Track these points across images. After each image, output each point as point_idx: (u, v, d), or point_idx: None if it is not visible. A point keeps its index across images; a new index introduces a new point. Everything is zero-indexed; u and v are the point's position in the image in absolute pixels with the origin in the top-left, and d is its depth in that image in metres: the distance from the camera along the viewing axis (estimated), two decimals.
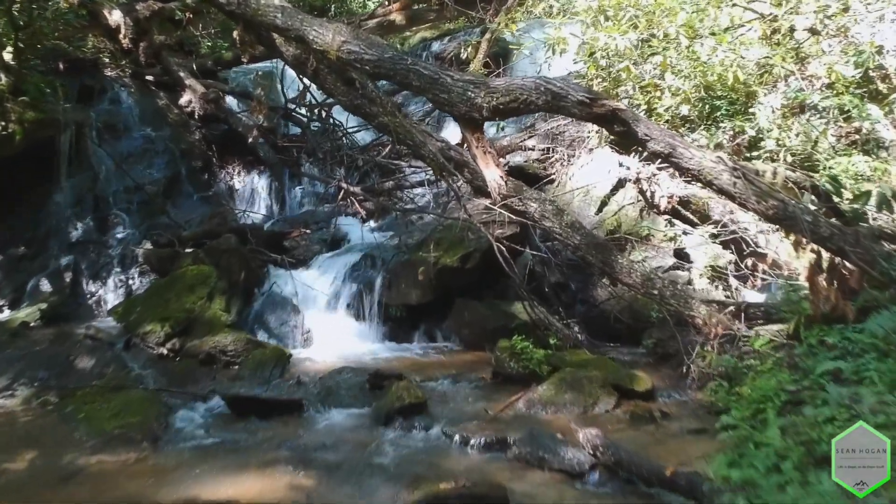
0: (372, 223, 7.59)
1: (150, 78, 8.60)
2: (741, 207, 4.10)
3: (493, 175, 4.24)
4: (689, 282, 5.49)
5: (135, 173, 7.50)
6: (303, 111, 8.80)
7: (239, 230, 6.53)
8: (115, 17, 8.10)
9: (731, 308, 4.55)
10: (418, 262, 5.87)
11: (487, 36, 8.32)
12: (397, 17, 8.66)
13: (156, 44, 8.42)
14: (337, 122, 8.43)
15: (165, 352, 5.11)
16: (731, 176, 3.92)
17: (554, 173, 6.67)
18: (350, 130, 8.42)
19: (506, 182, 4.27)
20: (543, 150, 7.08)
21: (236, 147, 8.42)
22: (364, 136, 8.95)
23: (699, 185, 5.16)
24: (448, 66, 9.37)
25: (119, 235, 7.04)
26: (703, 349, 4.44)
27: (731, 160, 3.97)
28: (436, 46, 12.32)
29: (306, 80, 6.75)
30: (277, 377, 4.68)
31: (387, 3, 14.37)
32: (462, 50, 7.40)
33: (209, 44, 9.76)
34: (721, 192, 3.98)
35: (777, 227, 4.58)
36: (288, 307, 5.90)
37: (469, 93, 4.15)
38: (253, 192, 8.33)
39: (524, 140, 7.24)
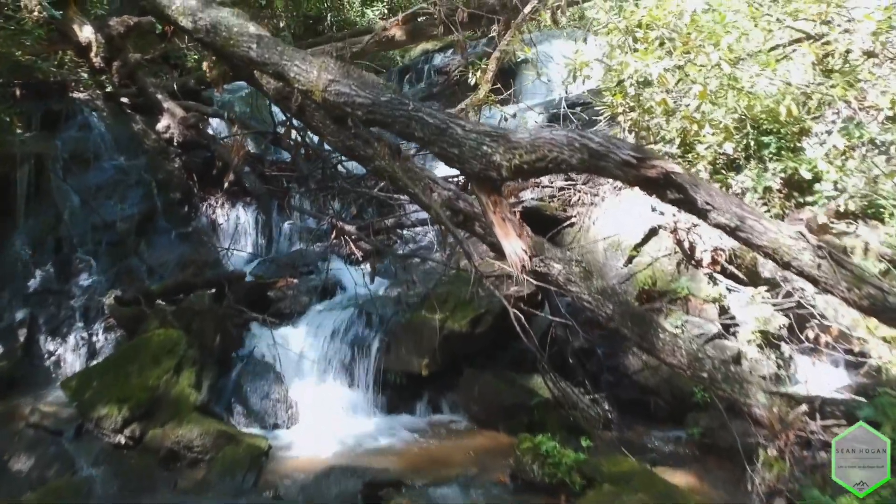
0: (367, 266, 6.80)
1: (125, 100, 7.81)
2: (826, 293, 3.31)
3: (514, 248, 3.44)
4: (739, 357, 4.68)
5: (104, 209, 6.70)
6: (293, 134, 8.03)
7: (216, 281, 5.73)
8: (86, 33, 7.30)
9: (803, 405, 3.75)
10: (421, 324, 5.08)
11: (496, 54, 7.51)
12: (397, 33, 7.85)
13: (130, 63, 7.63)
14: (330, 149, 7.64)
15: (123, 440, 4.32)
16: (814, 256, 3.13)
17: (575, 216, 5.87)
18: (345, 158, 7.62)
19: (530, 256, 3.48)
20: (561, 186, 6.27)
21: (220, 176, 7.62)
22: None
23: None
24: (453, 83, 8.55)
25: (84, 282, 6.25)
26: (768, 453, 3.65)
27: (813, 237, 3.17)
28: (438, 59, 11.56)
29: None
30: (251, 484, 3.87)
31: (385, 16, 13.60)
32: (470, 73, 6.58)
33: (196, 56, 8.95)
34: (802, 274, 3.18)
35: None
36: (270, 376, 5.11)
37: (485, 147, 3.35)
38: (238, 227, 7.53)
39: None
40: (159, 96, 7.50)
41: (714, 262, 5.01)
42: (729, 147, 5.14)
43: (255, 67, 4.02)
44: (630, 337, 4.23)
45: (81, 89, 7.62)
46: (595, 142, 3.21)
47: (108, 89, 7.67)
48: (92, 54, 7.36)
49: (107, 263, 6.45)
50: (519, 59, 8.22)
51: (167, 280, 5.78)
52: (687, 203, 3.19)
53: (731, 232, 3.22)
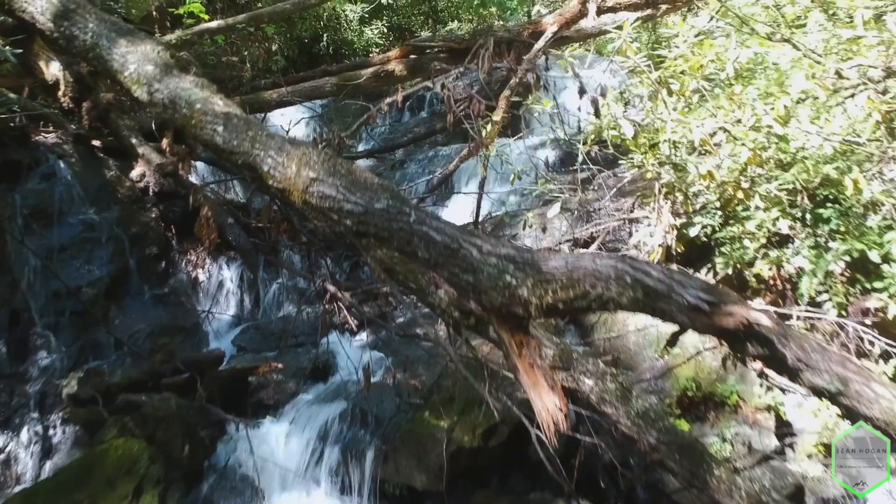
0: (364, 335, 6.07)
1: (97, 143, 7.08)
2: None
3: (546, 403, 2.70)
4: (801, 493, 3.94)
5: (69, 273, 5.97)
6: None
7: (188, 368, 4.99)
8: (53, 69, 6.56)
9: None
10: (424, 435, 4.34)
11: (506, 93, 6.78)
12: (396, 67, 7.13)
13: (102, 103, 6.91)
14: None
15: None
16: None
17: None
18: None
19: (565, 414, 2.74)
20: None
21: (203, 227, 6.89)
22: None
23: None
24: (458, 117, 7.75)
25: (42, 362, 5.51)
26: None
27: None
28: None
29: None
30: None
31: (384, 34, 12.87)
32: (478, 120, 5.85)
33: None
34: None
35: None
36: (248, 490, 4.38)
37: (508, 277, 2.61)
38: (220, 286, 6.81)
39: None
40: (134, 140, 6.76)
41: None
42: (785, 224, 4.39)
43: (222, 156, 3.28)
44: (678, 473, 3.52)
45: (47, 133, 6.88)
46: (653, 277, 2.47)
47: (77, 130, 6.96)
48: (60, 93, 6.63)
49: (69, 337, 5.71)
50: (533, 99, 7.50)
51: (131, 371, 5.03)
52: (774, 360, 2.46)
53: (832, 397, 2.48)
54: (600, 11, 6.84)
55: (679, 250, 4.83)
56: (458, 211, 7.84)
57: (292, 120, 8.93)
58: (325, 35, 11.81)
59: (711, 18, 5.17)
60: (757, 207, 4.50)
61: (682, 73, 4.90)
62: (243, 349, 6.07)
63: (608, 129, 4.83)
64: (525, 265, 2.62)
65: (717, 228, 4.78)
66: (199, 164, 7.55)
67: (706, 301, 2.39)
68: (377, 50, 12.86)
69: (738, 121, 4.57)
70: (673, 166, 4.85)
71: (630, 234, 5.48)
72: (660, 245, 4.80)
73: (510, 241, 3.36)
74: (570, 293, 2.52)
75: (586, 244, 5.80)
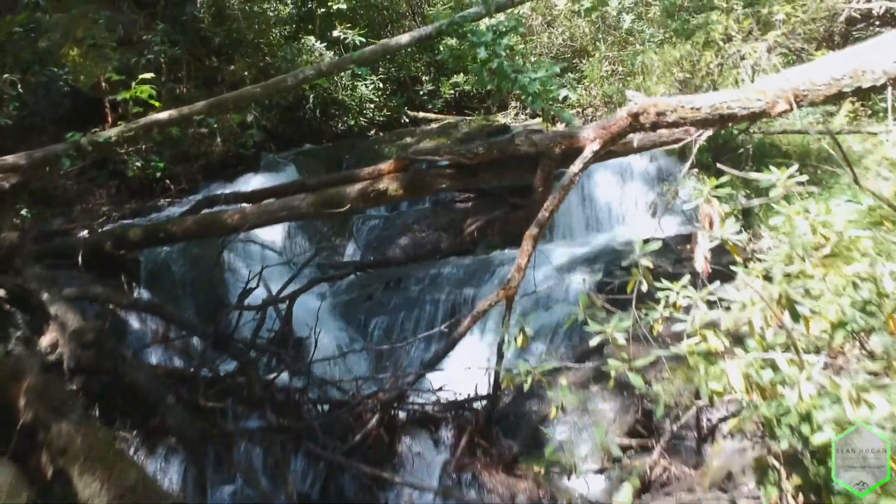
0: None
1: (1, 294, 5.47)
2: None
3: None
4: None
5: None
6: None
7: None
8: None
9: None
10: None
11: (533, 231, 5.19)
12: (390, 185, 5.59)
13: (6, 244, 5.33)
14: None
15: None
16: None
17: None
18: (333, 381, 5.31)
19: None
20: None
21: (134, 406, 5.28)
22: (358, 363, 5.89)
23: None
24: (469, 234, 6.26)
25: None
26: None
27: None
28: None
29: None
30: None
31: (380, 91, 11.25)
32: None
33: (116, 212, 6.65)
34: None
35: None
36: None
37: None
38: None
39: None
40: (45, 296, 5.16)
41: None
42: None
43: None
44: None
45: None
46: None
47: None
48: None
49: None
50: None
51: None
52: None
53: None
54: (657, 126, 5.25)
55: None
56: (467, 354, 6.11)
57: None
58: (310, 96, 10.21)
59: None
60: None
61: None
62: None
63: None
64: None
65: None
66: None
67: None
68: (372, 106, 11.29)
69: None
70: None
71: None
72: None
73: None
74: None
75: None
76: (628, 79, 10.37)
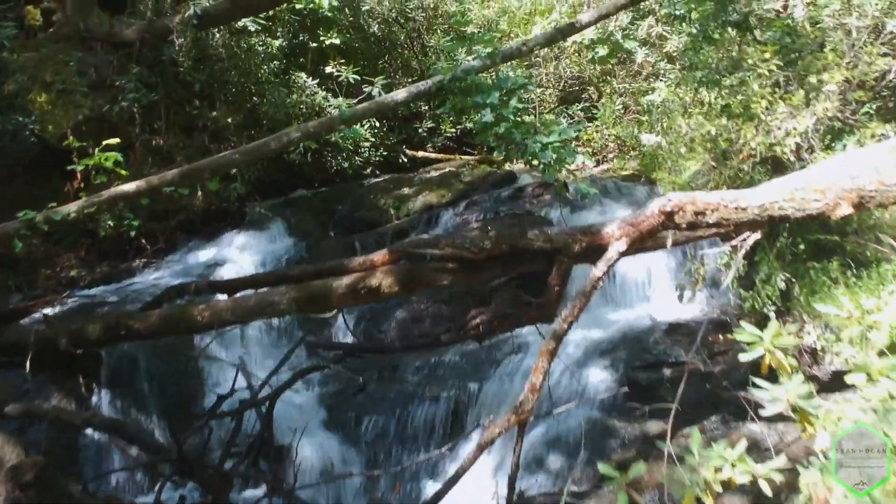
0: None
1: None
2: None
3: None
4: None
5: None
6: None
7: None
8: None
9: None
10: None
11: (550, 345, 4.43)
12: (384, 281, 4.86)
13: None
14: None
15: None
16: None
17: None
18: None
19: None
20: None
21: None
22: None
23: None
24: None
25: None
26: None
27: None
28: (447, 217, 8.50)
29: None
30: None
31: (374, 144, 10.52)
32: None
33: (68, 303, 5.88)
34: None
35: None
36: None
37: None
38: None
39: None
40: None
41: None
42: None
43: None
44: None
45: None
46: None
47: None
48: None
49: None
50: None
51: None
52: None
53: None
54: (695, 227, 4.51)
55: None
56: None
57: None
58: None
59: None
60: None
61: None
62: None
63: None
64: None
65: None
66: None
67: None
68: (368, 144, 10.54)
69: None
70: None
71: None
72: None
73: None
74: None
75: None
76: (643, 118, 9.64)
